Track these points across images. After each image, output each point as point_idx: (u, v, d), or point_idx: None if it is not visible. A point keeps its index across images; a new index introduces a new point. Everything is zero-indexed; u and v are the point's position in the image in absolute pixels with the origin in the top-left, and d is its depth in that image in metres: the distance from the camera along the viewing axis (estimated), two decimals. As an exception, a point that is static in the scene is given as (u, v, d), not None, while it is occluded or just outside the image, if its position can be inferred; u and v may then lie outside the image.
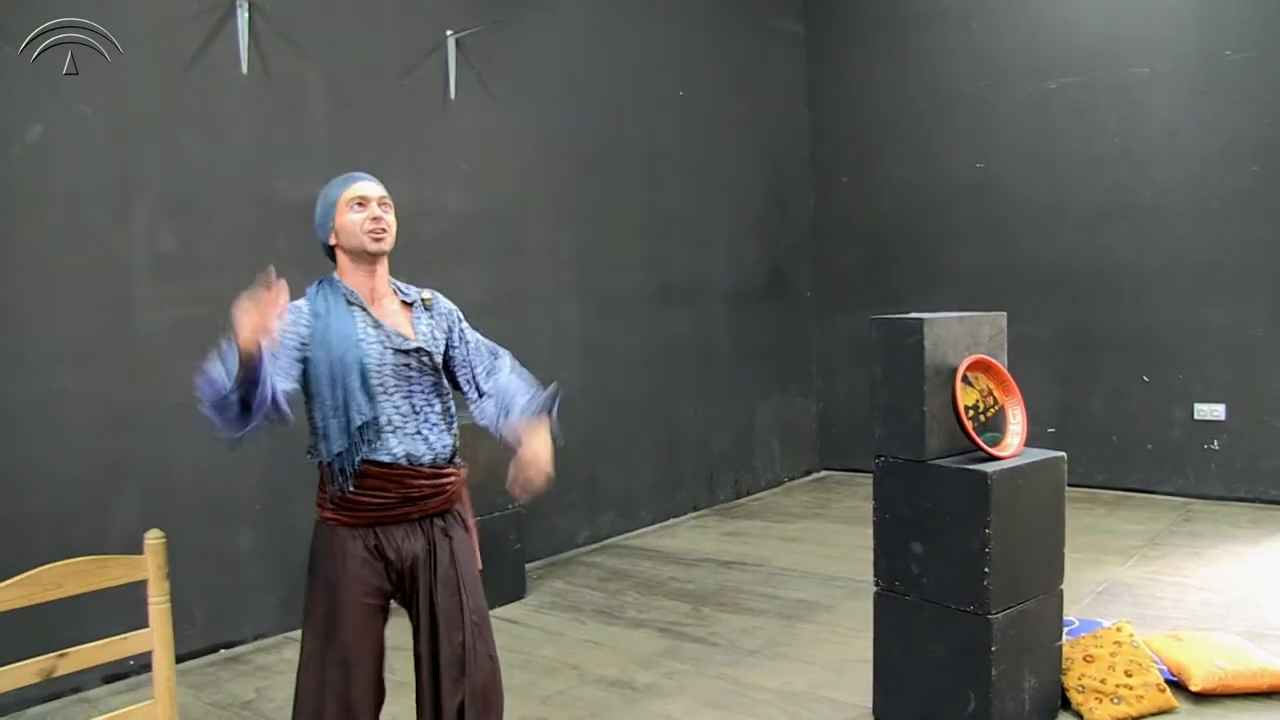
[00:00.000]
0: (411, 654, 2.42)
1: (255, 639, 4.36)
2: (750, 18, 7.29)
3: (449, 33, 5.07)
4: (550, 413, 2.44)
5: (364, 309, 2.36)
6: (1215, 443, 6.27)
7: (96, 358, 3.91)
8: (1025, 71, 6.82)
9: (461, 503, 2.49)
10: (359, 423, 2.27)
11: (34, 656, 1.93)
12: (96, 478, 3.91)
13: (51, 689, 3.67)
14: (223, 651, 4.24)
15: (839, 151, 7.80)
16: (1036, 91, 6.78)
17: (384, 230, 2.37)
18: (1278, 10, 5.95)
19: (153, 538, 2.12)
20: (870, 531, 3.35)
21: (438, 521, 2.39)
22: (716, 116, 6.92)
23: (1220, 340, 6.23)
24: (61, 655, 1.99)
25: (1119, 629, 3.43)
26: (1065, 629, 3.35)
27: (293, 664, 4.01)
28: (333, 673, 2.29)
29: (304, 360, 2.29)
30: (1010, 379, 3.24)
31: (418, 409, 2.36)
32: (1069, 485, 3.31)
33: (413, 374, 2.36)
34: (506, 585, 4.74)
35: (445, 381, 2.48)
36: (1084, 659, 3.33)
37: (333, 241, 2.41)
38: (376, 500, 2.30)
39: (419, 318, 2.44)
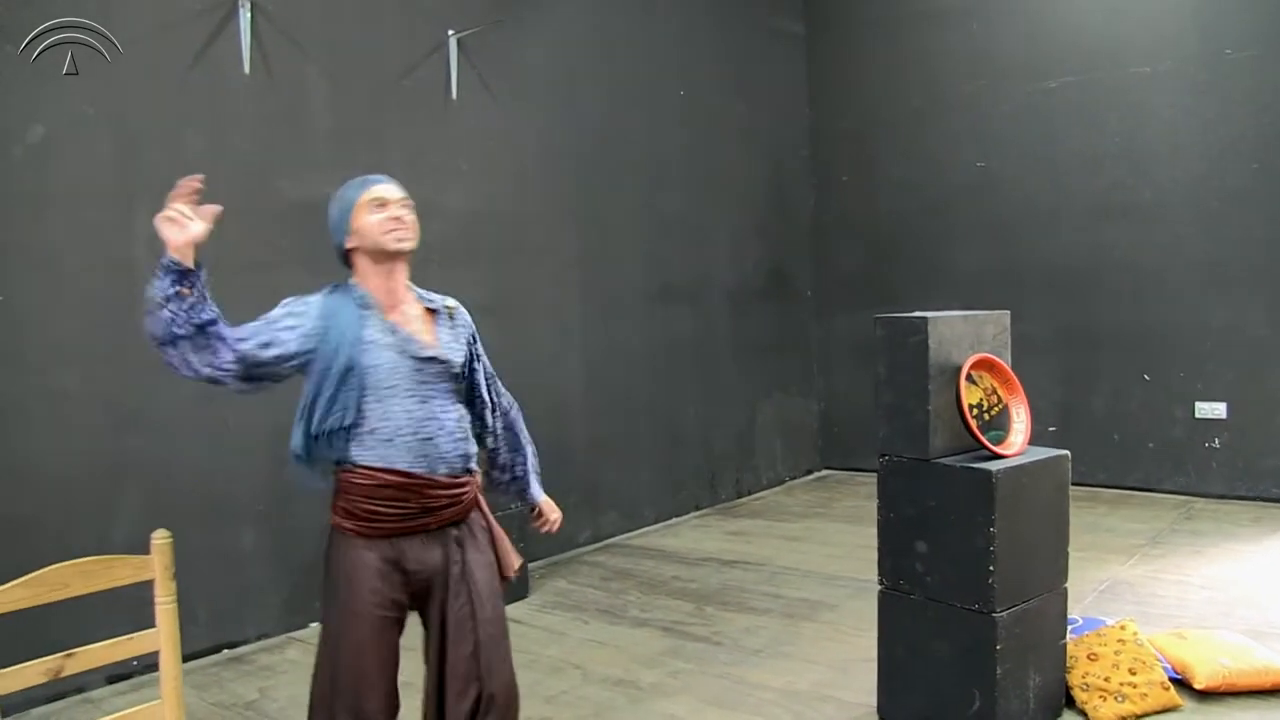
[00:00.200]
0: (421, 658, 2.39)
1: (259, 639, 4.35)
2: (750, 18, 7.29)
3: (450, 32, 5.07)
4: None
5: (378, 314, 2.31)
6: (1216, 441, 6.27)
7: (99, 358, 3.91)
8: (1025, 71, 6.82)
9: (478, 509, 2.45)
10: (340, 425, 2.24)
11: (36, 657, 1.93)
12: (99, 478, 3.91)
13: (56, 689, 3.67)
14: (226, 651, 4.23)
15: (839, 151, 7.80)
16: (1036, 91, 6.79)
17: (406, 230, 2.32)
18: (1278, 9, 5.95)
19: (159, 537, 2.12)
20: (872, 531, 3.35)
21: (453, 531, 2.35)
22: (717, 116, 6.93)
23: (1221, 339, 6.23)
24: (69, 655, 1.99)
25: (1123, 627, 3.43)
26: (1069, 627, 3.35)
27: (296, 664, 4.05)
28: (346, 684, 2.24)
29: (303, 357, 2.28)
30: (1014, 377, 3.25)
31: (432, 416, 2.30)
32: (1070, 484, 3.31)
33: (429, 379, 2.31)
34: (509, 585, 4.74)
35: (463, 390, 2.44)
36: (1088, 657, 3.33)
37: (350, 244, 2.35)
38: (395, 511, 2.25)
39: (441, 325, 2.40)
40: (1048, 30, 6.74)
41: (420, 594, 2.32)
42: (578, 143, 5.88)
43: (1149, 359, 6.49)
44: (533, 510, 2.70)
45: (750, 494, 7.18)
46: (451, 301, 2.47)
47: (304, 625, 4.48)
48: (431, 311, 2.40)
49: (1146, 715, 3.20)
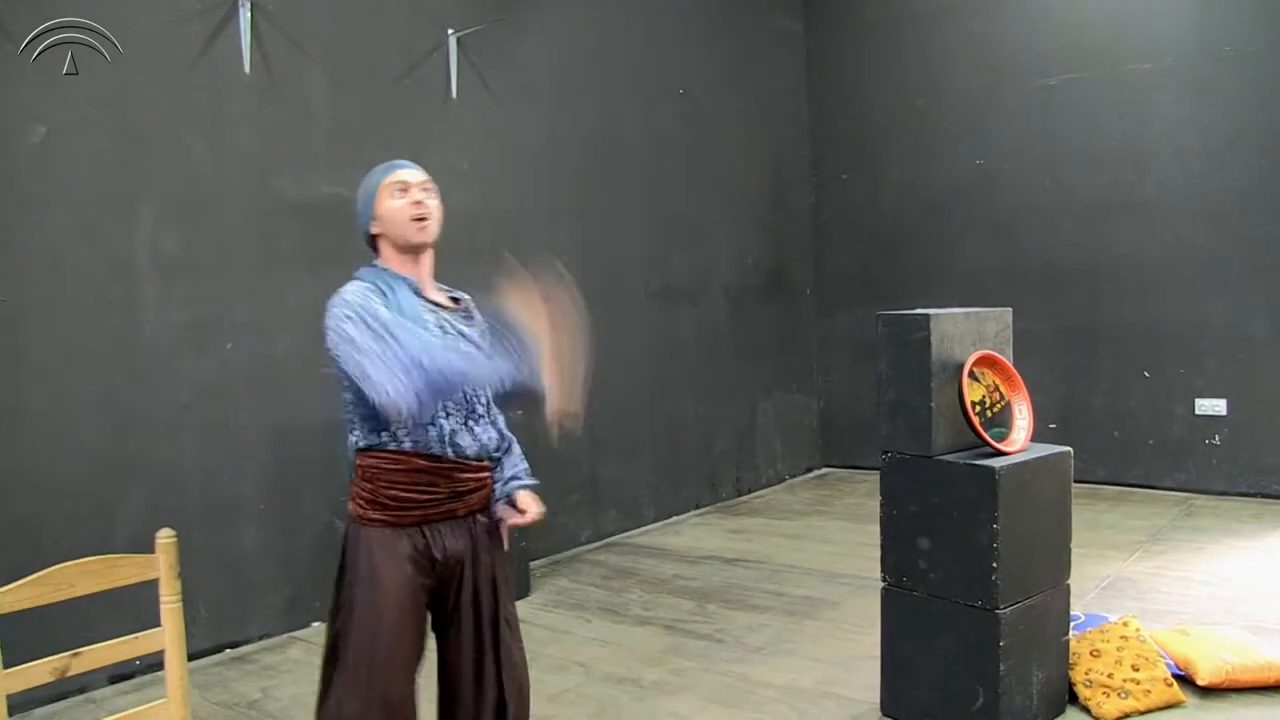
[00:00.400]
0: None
1: (260, 638, 4.35)
2: (750, 16, 7.29)
3: (451, 31, 5.07)
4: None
5: (417, 293, 2.27)
6: (1217, 438, 6.28)
7: (103, 358, 3.91)
8: (1025, 69, 6.82)
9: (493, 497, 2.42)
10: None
11: (39, 657, 1.93)
12: (102, 478, 3.90)
13: (59, 689, 3.67)
14: (228, 651, 4.23)
15: (839, 149, 7.80)
16: (1037, 89, 6.79)
17: (426, 215, 2.28)
18: (1278, 6, 5.96)
19: (164, 537, 2.12)
20: (873, 528, 3.36)
21: (481, 518, 2.32)
22: (717, 115, 6.92)
23: (1221, 335, 6.24)
24: (75, 655, 1.99)
25: (1125, 624, 3.43)
26: (1071, 624, 3.36)
27: (299, 663, 4.05)
28: (380, 672, 2.18)
29: None
30: (1016, 374, 3.25)
31: (468, 398, 2.28)
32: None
33: None
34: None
35: None
36: (1091, 654, 3.34)
37: (375, 230, 2.32)
38: (426, 496, 2.21)
39: (465, 316, 2.39)
40: (1048, 28, 6.74)
41: (443, 584, 2.28)
42: (578, 141, 5.89)
43: (1149, 356, 6.50)
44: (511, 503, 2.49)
45: (751, 492, 7.18)
46: (466, 295, 2.46)
47: (306, 625, 4.49)
48: (454, 300, 2.40)
49: (1150, 712, 3.20)
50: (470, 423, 2.27)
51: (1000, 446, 3.09)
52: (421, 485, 2.21)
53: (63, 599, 1.97)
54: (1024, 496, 3.04)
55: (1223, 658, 3.33)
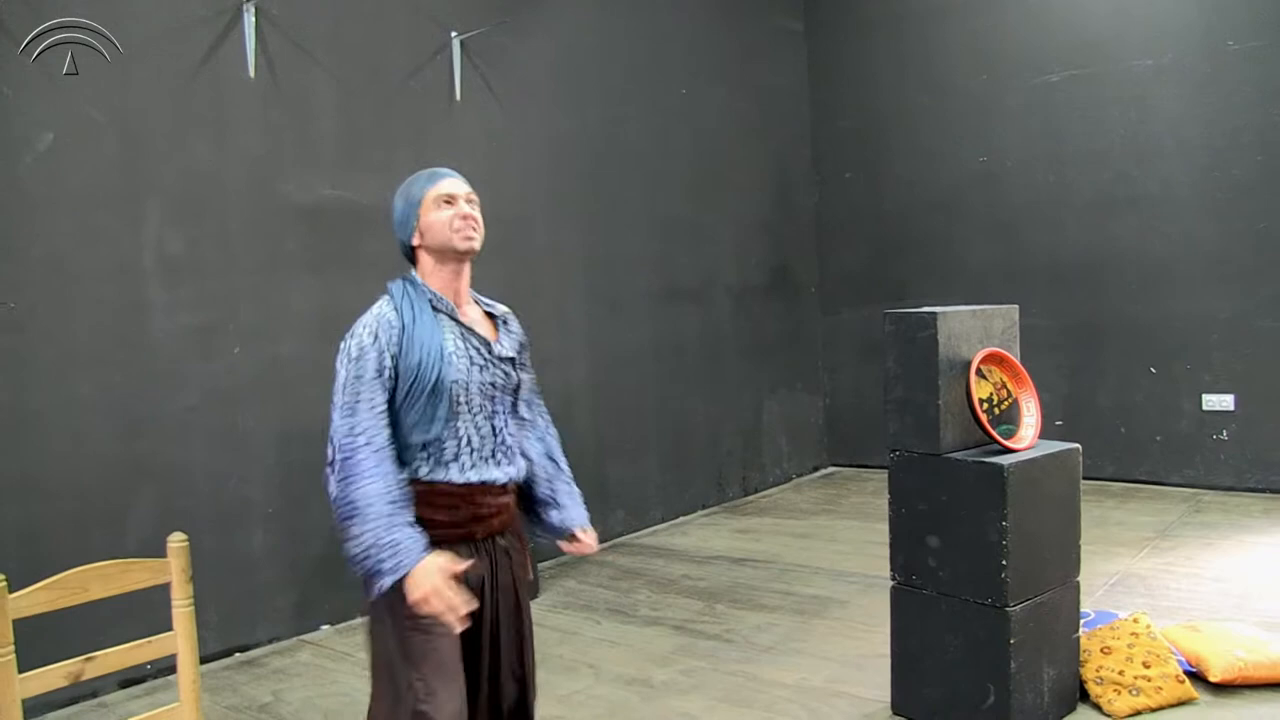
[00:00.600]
0: None
1: (270, 642, 4.36)
2: (751, 16, 7.29)
3: (454, 34, 5.08)
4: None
5: (451, 317, 2.21)
6: (1224, 433, 6.27)
7: (110, 362, 3.92)
8: (1028, 65, 6.82)
9: (518, 520, 2.38)
10: (422, 439, 2.13)
11: (49, 662, 1.94)
12: (112, 482, 3.91)
13: (71, 694, 3.68)
14: (238, 655, 4.24)
15: (842, 148, 7.80)
16: (1040, 85, 6.78)
17: (474, 228, 2.23)
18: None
19: (175, 540, 2.13)
20: (881, 527, 3.36)
21: (500, 541, 2.26)
22: (719, 115, 6.93)
23: (1228, 331, 6.22)
24: (88, 659, 2.00)
25: (1135, 620, 3.43)
26: (1081, 621, 3.35)
27: (309, 666, 4.06)
28: (436, 691, 2.09)
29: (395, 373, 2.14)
30: (1024, 371, 3.25)
31: (497, 430, 2.24)
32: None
33: (497, 392, 2.24)
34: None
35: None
36: (1101, 650, 3.33)
37: (416, 242, 2.24)
38: (444, 519, 2.16)
39: (501, 332, 2.32)
40: (1050, 24, 6.73)
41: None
42: (581, 143, 5.89)
43: (1155, 352, 6.49)
44: (569, 536, 2.48)
45: (758, 492, 7.18)
46: (504, 308, 2.39)
47: (315, 628, 4.49)
48: (490, 316, 2.34)
49: (1161, 708, 3.20)
50: (497, 456, 2.23)
51: (1008, 444, 3.09)
52: (440, 508, 2.16)
53: (76, 603, 1.97)
54: (1033, 494, 3.04)
55: (1235, 654, 3.32)
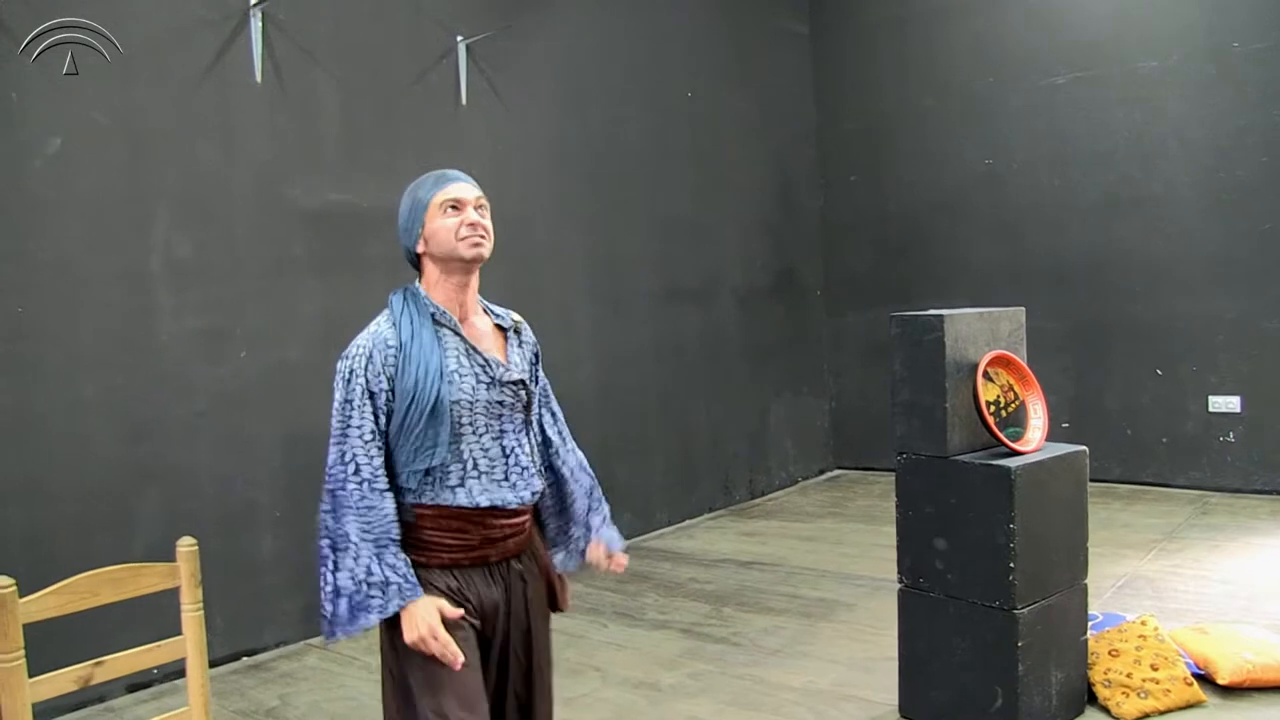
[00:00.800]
0: None
1: (277, 645, 4.36)
2: (756, 19, 7.30)
3: (459, 38, 5.09)
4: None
5: (455, 332, 2.08)
6: (1231, 435, 6.25)
7: (117, 366, 3.93)
8: (1033, 67, 6.81)
9: (535, 541, 2.26)
10: (425, 466, 2.01)
11: (56, 666, 1.94)
12: (118, 485, 3.92)
13: (79, 698, 3.69)
14: (245, 659, 4.24)
15: (846, 150, 7.80)
16: (1044, 87, 6.78)
17: (483, 236, 2.07)
18: (1286, 1, 5.95)
19: (185, 545, 2.14)
20: (887, 529, 3.36)
21: (515, 565, 2.15)
22: (724, 118, 6.93)
23: (1233, 332, 6.21)
24: (97, 664, 2.00)
25: (1143, 622, 3.42)
26: (1089, 623, 3.35)
27: (316, 670, 4.06)
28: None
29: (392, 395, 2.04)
30: (1030, 374, 3.24)
31: (508, 451, 2.11)
32: (1086, 480, 3.31)
33: (505, 411, 2.11)
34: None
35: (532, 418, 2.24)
36: (1109, 653, 3.32)
37: (420, 249, 2.10)
38: (456, 541, 2.05)
39: (511, 344, 2.18)
40: (1054, 26, 6.73)
41: (482, 626, 2.11)
42: (586, 145, 5.90)
43: (1161, 353, 6.48)
44: (607, 556, 2.40)
45: (764, 495, 7.17)
46: (516, 316, 2.26)
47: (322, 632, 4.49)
48: (500, 329, 2.20)
49: (1170, 711, 3.19)
50: (510, 478, 2.11)
51: (1016, 446, 3.09)
52: (451, 531, 2.05)
53: (85, 608, 1.98)
54: (1040, 496, 3.03)
55: (1243, 656, 3.31)
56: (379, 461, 2.00)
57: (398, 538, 2.00)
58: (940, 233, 7.32)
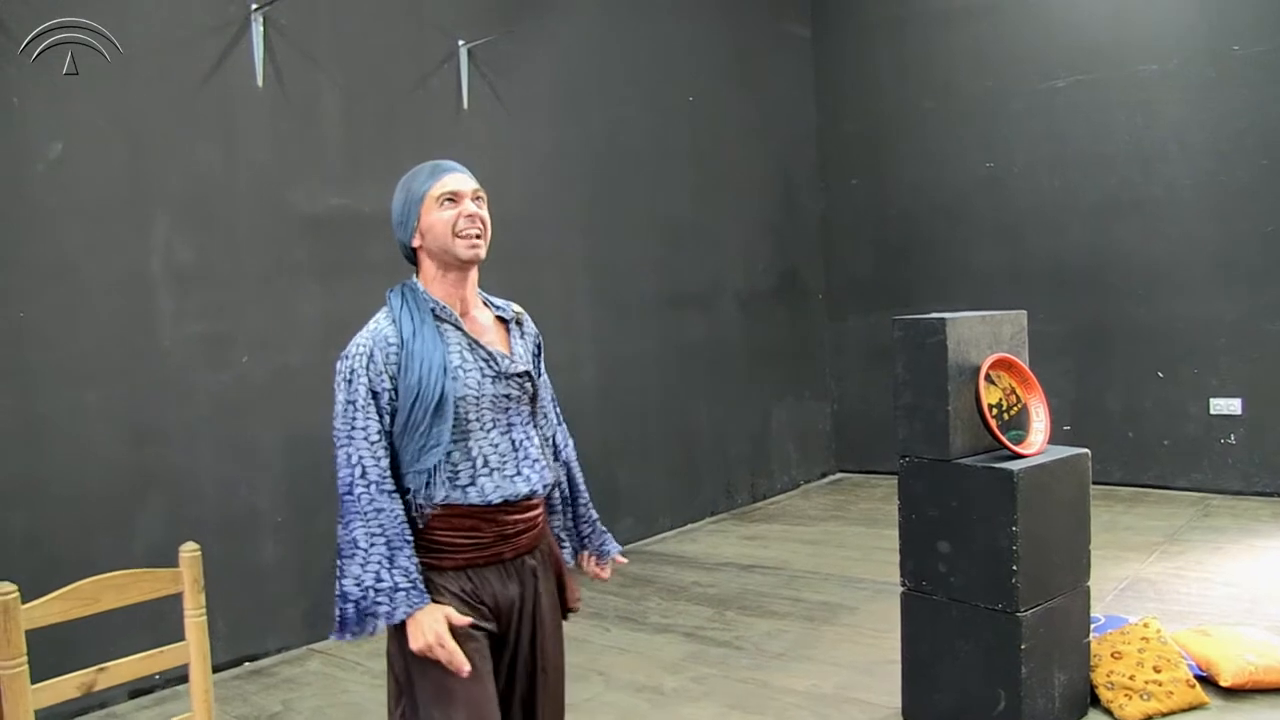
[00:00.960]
0: None
1: (279, 651, 4.36)
2: (757, 22, 7.30)
3: (461, 43, 5.10)
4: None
5: (457, 327, 2.04)
6: (1232, 437, 6.25)
7: (118, 371, 3.93)
8: (1033, 70, 6.82)
9: (548, 536, 2.24)
10: (432, 464, 1.96)
11: (58, 673, 1.94)
12: (119, 490, 3.92)
13: (81, 704, 3.68)
14: (247, 664, 4.24)
15: (848, 153, 7.80)
16: (1045, 90, 6.78)
17: (480, 232, 2.04)
18: (1286, 3, 5.96)
19: (188, 550, 2.14)
20: (889, 533, 3.36)
21: (529, 561, 2.11)
22: (725, 121, 6.94)
23: (1234, 335, 6.21)
24: (100, 669, 2.00)
25: (1146, 625, 3.42)
26: (1092, 626, 3.35)
27: (318, 675, 4.06)
28: None
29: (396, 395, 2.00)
30: (1032, 377, 3.24)
31: (517, 445, 2.07)
32: (1088, 482, 3.31)
33: (511, 405, 2.07)
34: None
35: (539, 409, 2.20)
36: (1112, 655, 3.32)
37: (416, 243, 2.06)
38: (469, 541, 2.01)
39: (514, 337, 2.14)
40: (1054, 30, 6.74)
41: (498, 629, 2.09)
42: (588, 149, 5.90)
43: (1162, 356, 6.47)
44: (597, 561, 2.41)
45: (766, 498, 7.17)
46: (517, 307, 2.21)
47: (325, 637, 4.49)
48: (502, 320, 2.16)
49: (1172, 713, 3.19)
50: (522, 470, 2.06)
51: (1018, 449, 3.08)
52: (464, 530, 2.02)
53: (88, 614, 1.98)
54: (1043, 499, 3.03)
55: (1246, 658, 3.31)
56: (386, 463, 1.97)
57: (410, 539, 1.96)
58: (941, 235, 7.32)
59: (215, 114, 4.20)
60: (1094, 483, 3.36)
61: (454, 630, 1.93)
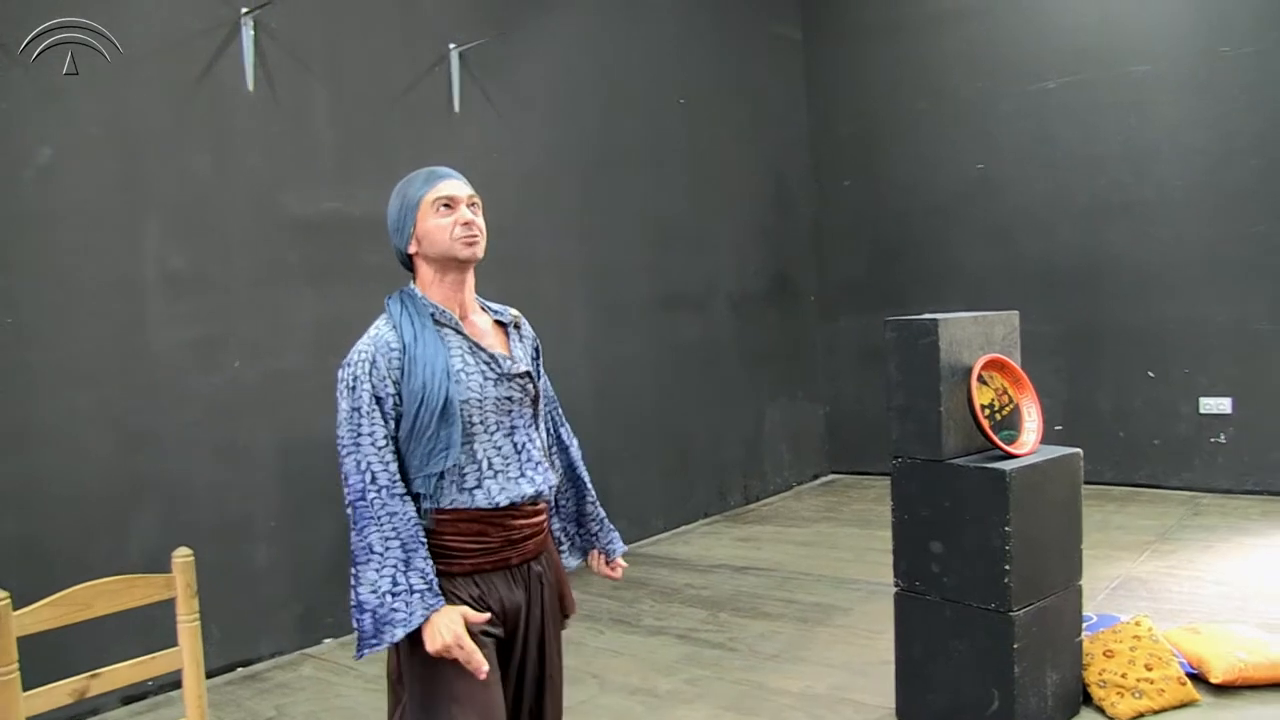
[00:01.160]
0: None
1: (273, 656, 4.35)
2: (749, 25, 7.32)
3: (452, 46, 5.09)
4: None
5: (457, 330, 2.04)
6: (1222, 436, 6.28)
7: (110, 377, 3.92)
8: (1024, 71, 6.84)
9: (550, 543, 2.24)
10: (440, 469, 1.96)
11: (51, 679, 1.94)
12: (113, 495, 3.91)
13: (71, 711, 3.65)
14: (240, 670, 4.23)
15: (840, 155, 7.82)
16: (1036, 91, 6.81)
17: (476, 235, 2.05)
18: (1274, 6, 5.98)
19: (180, 556, 2.13)
20: (882, 534, 3.36)
21: (535, 567, 2.11)
22: (718, 124, 6.95)
23: (1224, 334, 6.24)
24: (93, 676, 2.00)
25: (1137, 623, 3.43)
26: (1084, 625, 3.36)
27: (312, 680, 4.05)
28: None
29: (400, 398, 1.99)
30: (1025, 377, 3.26)
31: (520, 447, 2.07)
32: (1079, 482, 3.32)
33: (514, 407, 2.08)
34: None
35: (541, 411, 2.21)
36: (1104, 654, 3.33)
37: (412, 250, 2.07)
38: (477, 545, 2.01)
39: (512, 340, 2.15)
40: (1046, 31, 6.76)
41: (506, 633, 2.08)
42: (580, 152, 5.91)
43: (1153, 356, 6.50)
44: (606, 561, 2.41)
45: (759, 500, 7.18)
46: (514, 311, 2.23)
47: (318, 641, 4.49)
48: (500, 324, 2.17)
49: (1164, 711, 3.21)
50: (526, 472, 2.07)
51: (1010, 449, 3.10)
52: (472, 536, 2.02)
53: (80, 620, 1.97)
54: (1035, 498, 3.05)
55: (1236, 655, 3.33)
56: (395, 467, 1.96)
57: (424, 540, 1.96)
58: (933, 237, 7.34)
59: (206, 118, 4.19)
60: (1086, 482, 3.38)
61: (470, 631, 1.93)
